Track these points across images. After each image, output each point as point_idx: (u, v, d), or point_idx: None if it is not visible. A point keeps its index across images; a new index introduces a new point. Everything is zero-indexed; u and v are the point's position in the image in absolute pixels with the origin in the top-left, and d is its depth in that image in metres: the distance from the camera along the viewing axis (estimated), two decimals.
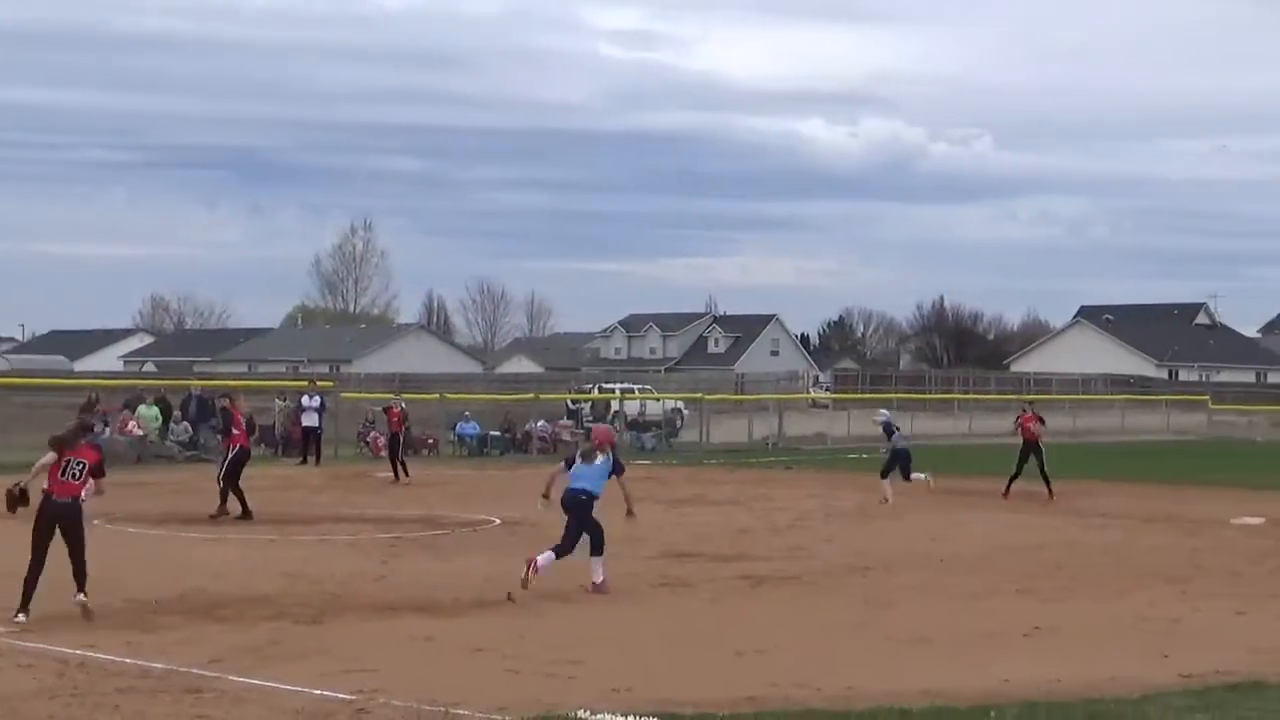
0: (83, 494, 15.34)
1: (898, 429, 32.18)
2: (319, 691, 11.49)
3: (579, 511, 17.43)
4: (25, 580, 14.85)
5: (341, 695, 11.38)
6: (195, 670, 12.25)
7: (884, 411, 34.92)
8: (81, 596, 14.88)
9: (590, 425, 33.71)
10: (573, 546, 17.25)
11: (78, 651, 13.03)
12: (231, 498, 25.47)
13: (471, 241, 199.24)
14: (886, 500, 29.65)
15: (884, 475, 30.71)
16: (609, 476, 17.74)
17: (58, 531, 15.08)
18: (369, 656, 12.98)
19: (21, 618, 14.64)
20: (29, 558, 14.91)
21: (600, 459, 17.71)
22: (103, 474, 15.75)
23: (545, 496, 17.88)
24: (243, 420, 26.79)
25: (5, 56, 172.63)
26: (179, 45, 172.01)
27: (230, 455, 26.09)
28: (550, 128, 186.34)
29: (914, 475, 30.79)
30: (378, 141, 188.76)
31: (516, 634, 14.34)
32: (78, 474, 15.22)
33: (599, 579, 17.31)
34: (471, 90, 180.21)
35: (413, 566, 19.58)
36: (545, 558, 16.91)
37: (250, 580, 17.87)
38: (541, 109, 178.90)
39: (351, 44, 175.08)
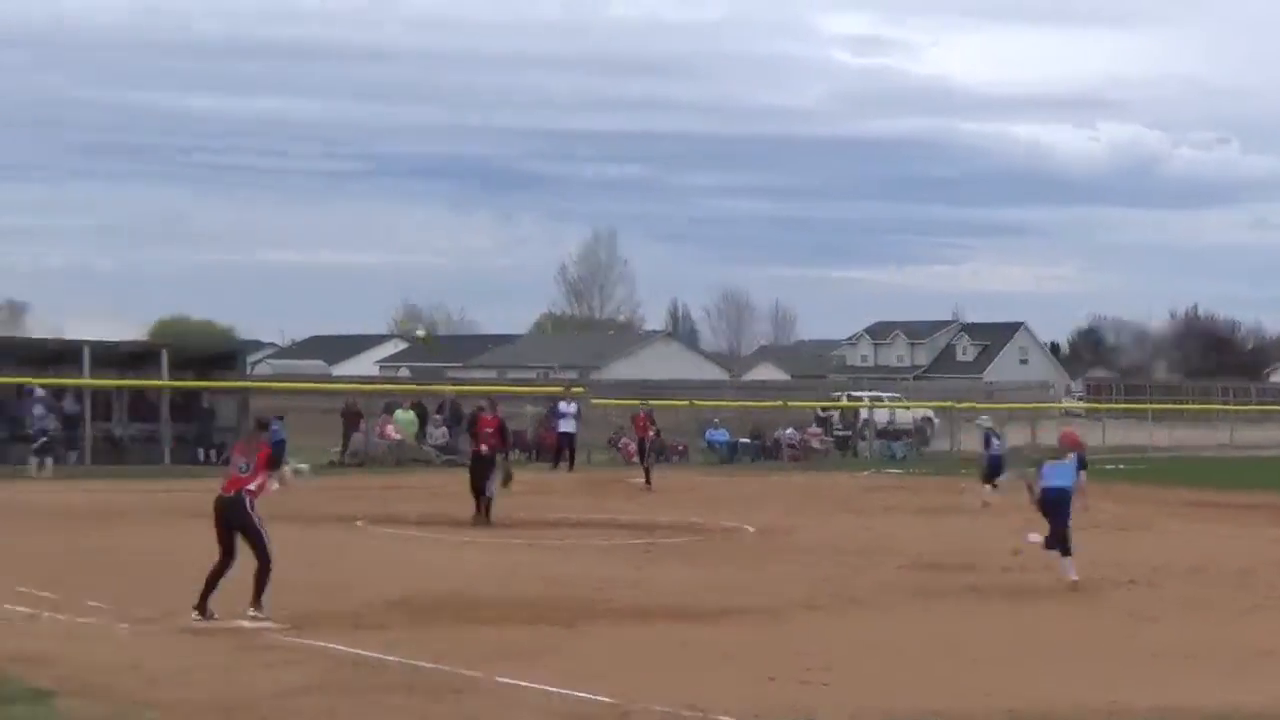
0: (251, 486, 15.29)
1: (998, 437, 33.05)
2: (579, 694, 11.63)
3: (1059, 507, 18.84)
4: (208, 576, 15.09)
5: (600, 698, 11.49)
6: (457, 670, 12.46)
7: (985, 418, 35.61)
8: (253, 611, 14.93)
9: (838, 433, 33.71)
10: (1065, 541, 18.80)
11: (347, 649, 13.37)
12: (485, 500, 25.96)
13: (713, 249, 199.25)
14: (986, 504, 29.98)
15: (985, 481, 31.20)
16: (1077, 474, 19.09)
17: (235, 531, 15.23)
18: (626, 661, 13.11)
19: (195, 615, 14.92)
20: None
21: (1070, 458, 19.12)
22: (276, 465, 15.70)
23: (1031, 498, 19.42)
24: (493, 426, 27.14)
25: (276, 69, 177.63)
26: (417, 58, 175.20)
27: (472, 461, 26.71)
28: (780, 134, 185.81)
29: (996, 481, 30.92)
30: (609, 150, 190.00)
31: (771, 641, 14.37)
32: (245, 468, 15.35)
33: (1071, 575, 18.68)
34: (696, 96, 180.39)
35: (667, 572, 19.70)
36: (1035, 538, 19.27)
37: (508, 583, 18.16)
38: (770, 115, 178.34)
39: (578, 52, 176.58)
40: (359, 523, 25.86)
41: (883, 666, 13.31)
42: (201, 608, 14.97)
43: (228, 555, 15.20)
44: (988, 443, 32.33)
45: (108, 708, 10.65)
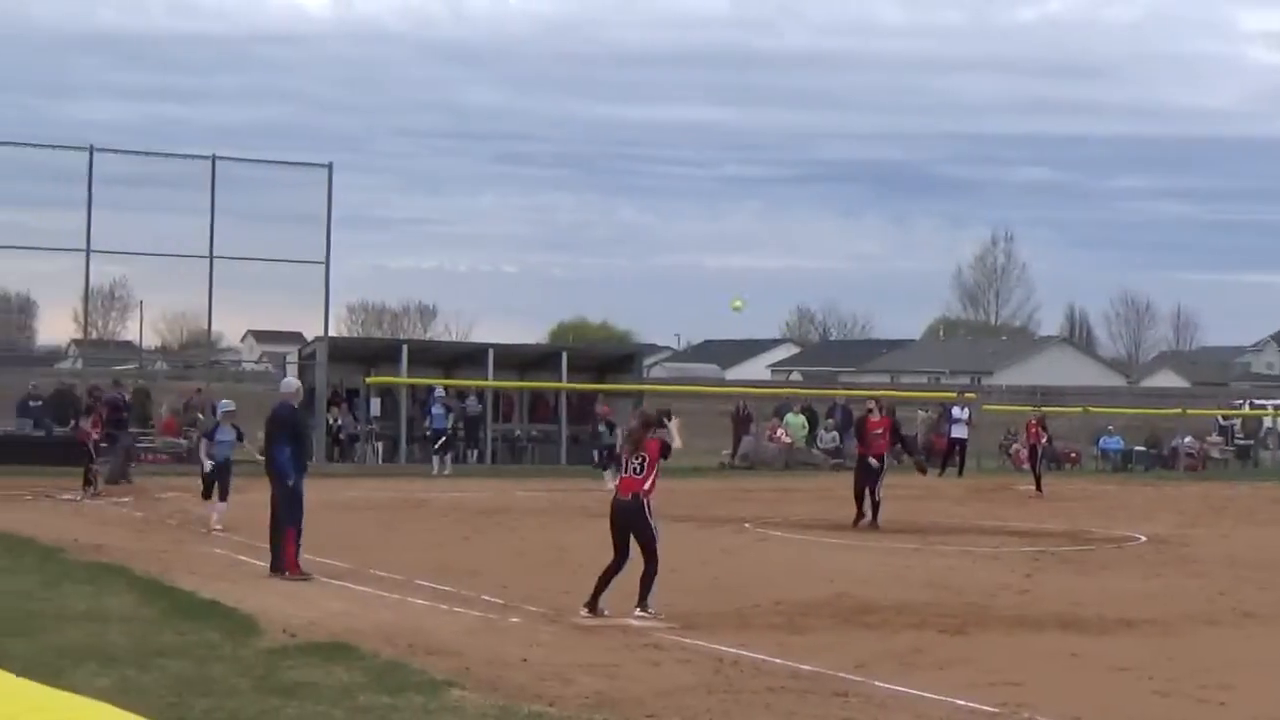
0: (646, 486, 15.53)
1: None
2: (962, 702, 11.53)
3: None
4: (600, 576, 15.47)
5: (985, 708, 11.36)
6: (842, 674, 12.47)
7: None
8: (639, 612, 15.24)
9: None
10: None
11: (732, 650, 13.52)
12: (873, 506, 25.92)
13: (1114, 253, 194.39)
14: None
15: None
16: None
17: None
18: (1012, 670, 12.92)
19: (584, 613, 15.27)
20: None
21: None
22: (666, 455, 15.86)
23: None
24: (883, 427, 27.11)
25: (676, 78, 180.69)
26: (820, 63, 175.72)
27: (858, 465, 26.74)
28: (1196, 135, 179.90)
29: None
30: (1013, 152, 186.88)
31: (1164, 655, 13.96)
32: (638, 469, 15.61)
33: None
34: (1110, 99, 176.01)
35: (1056, 581, 19.34)
36: None
37: (894, 588, 18.09)
38: (1186, 116, 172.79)
39: (988, 55, 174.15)
40: (747, 525, 26.13)
41: None
42: (592, 605, 15.36)
43: (621, 557, 15.55)
44: None
45: (497, 700, 11.00)
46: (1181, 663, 13.56)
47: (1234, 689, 12.39)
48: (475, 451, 42.34)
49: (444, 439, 38.45)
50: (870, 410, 27.86)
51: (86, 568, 18.09)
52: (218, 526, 22.89)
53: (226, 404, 24.43)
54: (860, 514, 25.87)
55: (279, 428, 18.67)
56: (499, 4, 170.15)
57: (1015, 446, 45.87)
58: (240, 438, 23.98)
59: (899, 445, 32.54)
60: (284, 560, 17.95)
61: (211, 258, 38.53)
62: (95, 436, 29.39)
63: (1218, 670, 13.18)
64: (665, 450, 15.87)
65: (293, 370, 42.57)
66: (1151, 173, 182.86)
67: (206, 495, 23.66)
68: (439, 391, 40.17)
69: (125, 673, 11.63)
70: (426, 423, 39.73)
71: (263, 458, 19.32)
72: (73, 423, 31.67)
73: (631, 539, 15.51)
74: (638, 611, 15.25)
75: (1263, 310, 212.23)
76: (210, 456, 23.43)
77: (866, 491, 26.02)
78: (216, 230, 38.56)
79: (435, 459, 38.12)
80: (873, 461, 26.37)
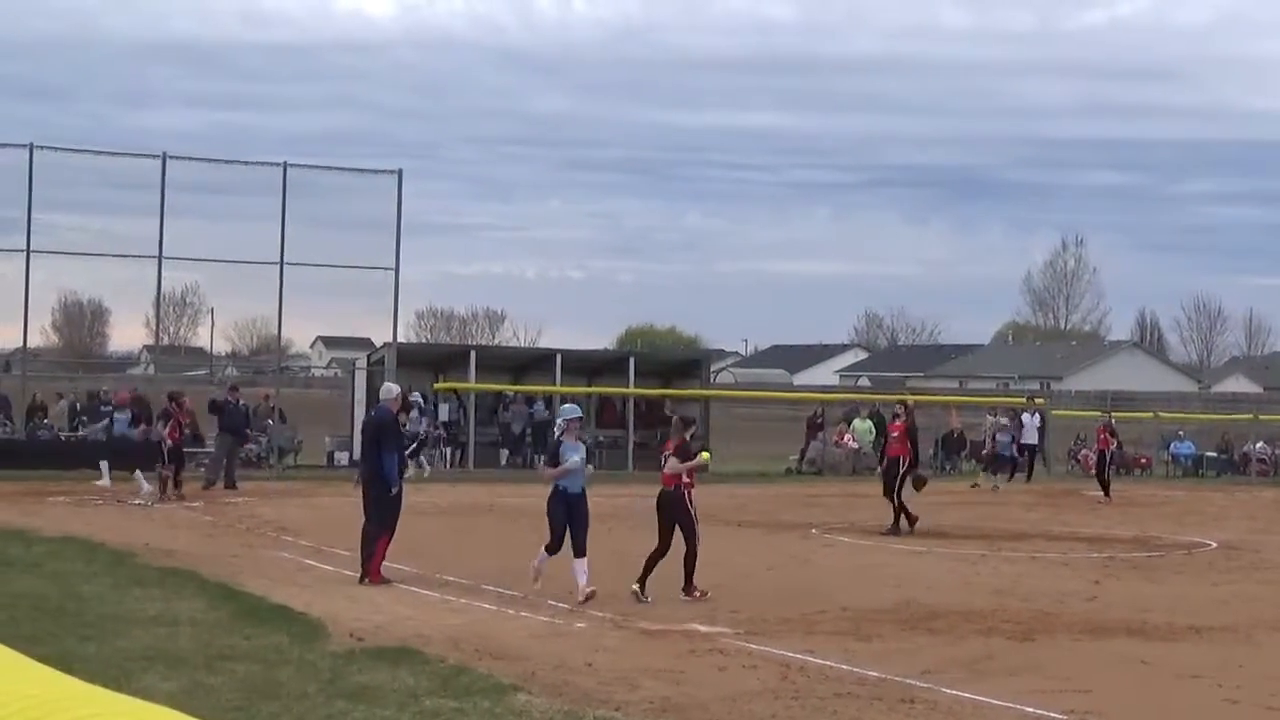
0: (685, 478, 17.05)
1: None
2: (1030, 709, 11.47)
3: None
4: (646, 560, 16.93)
5: (1054, 715, 11.30)
6: (909, 680, 12.44)
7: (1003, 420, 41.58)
8: (685, 595, 16.81)
9: None
10: None
11: (798, 655, 13.50)
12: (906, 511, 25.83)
13: (1185, 257, 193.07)
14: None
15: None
16: None
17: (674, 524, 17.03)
18: (1081, 677, 12.85)
19: (636, 588, 16.69)
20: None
21: None
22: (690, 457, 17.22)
23: None
24: (898, 431, 26.95)
25: (743, 84, 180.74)
26: (887, 68, 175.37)
27: (884, 467, 26.93)
28: (1267, 138, 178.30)
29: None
30: (1082, 156, 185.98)
31: (1235, 662, 13.84)
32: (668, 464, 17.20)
33: None
34: (1181, 101, 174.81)
35: (1125, 587, 19.22)
36: None
37: (961, 594, 18.03)
38: (1257, 118, 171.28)
39: (1055, 59, 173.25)
40: (814, 530, 26.08)
41: None
42: (641, 584, 16.77)
43: (665, 543, 16.98)
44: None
45: (563, 705, 11.03)
46: (1252, 670, 13.46)
47: None
48: (543, 456, 42.32)
49: (417, 444, 36.62)
50: (897, 414, 27.97)
51: (157, 572, 18.23)
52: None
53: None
54: (898, 516, 25.73)
55: (382, 433, 18.29)
56: (566, 11, 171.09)
57: (1084, 452, 45.58)
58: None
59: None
60: (371, 567, 17.77)
61: (282, 264, 38.72)
62: (170, 443, 29.58)
63: None
64: (683, 453, 17.18)
65: (362, 376, 42.77)
66: (1222, 176, 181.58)
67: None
68: (416, 396, 38.65)
69: (193, 676, 11.72)
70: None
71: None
72: (142, 426, 31.83)
73: (676, 529, 16.93)
74: (683, 596, 16.77)
75: None
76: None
77: (894, 493, 26.16)
78: (287, 237, 38.73)
79: (411, 463, 36.48)
80: (886, 463, 26.82)
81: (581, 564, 16.61)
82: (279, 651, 12.96)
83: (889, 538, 24.73)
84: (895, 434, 26.97)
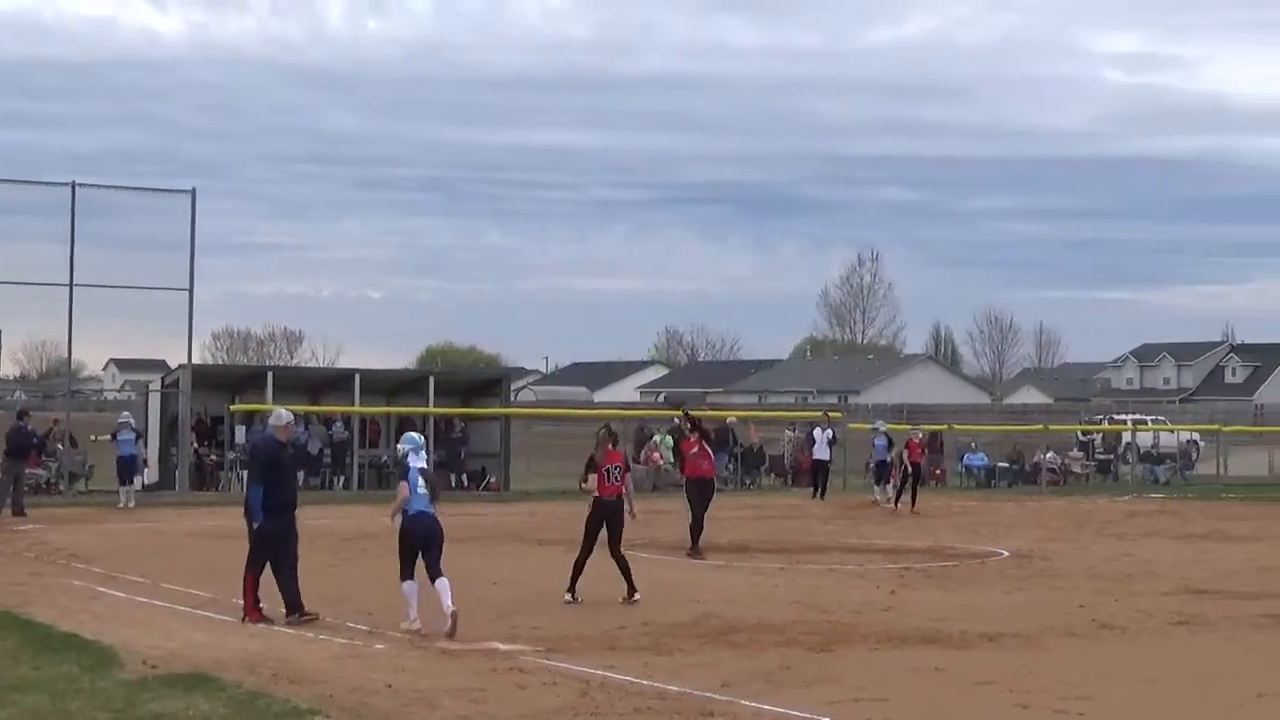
0: (625, 490, 18.73)
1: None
2: (827, 719, 11.62)
3: None
4: (575, 564, 18.48)
5: None
6: (708, 694, 12.49)
7: (880, 422, 43.32)
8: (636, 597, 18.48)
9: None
10: None
11: (598, 672, 13.50)
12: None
13: (977, 271, 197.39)
14: (876, 503, 37.17)
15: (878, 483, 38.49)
16: None
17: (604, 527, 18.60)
18: (878, 686, 13.03)
19: (569, 597, 18.24)
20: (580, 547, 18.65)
21: None
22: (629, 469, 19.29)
23: None
24: (701, 446, 25.75)
25: (541, 102, 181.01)
26: (681, 85, 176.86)
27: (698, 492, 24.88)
28: (1050, 155, 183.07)
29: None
30: (874, 173, 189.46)
31: (1026, 668, 14.14)
32: (617, 476, 18.67)
33: None
34: (966, 119, 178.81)
35: (921, 597, 19.55)
36: None
37: (760, 608, 18.18)
38: (1040, 136, 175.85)
39: (845, 77, 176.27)
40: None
41: (1143, 697, 12.99)
42: (572, 590, 18.41)
43: (590, 548, 18.56)
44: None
45: None
46: (1042, 675, 13.75)
47: (1093, 700, 12.58)
48: (342, 478, 42.03)
49: (129, 467, 35.14)
50: (685, 431, 26.75)
51: None
52: None
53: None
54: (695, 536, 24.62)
55: (257, 463, 17.10)
56: (358, 29, 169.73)
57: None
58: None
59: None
60: (245, 606, 16.73)
61: (71, 285, 37.86)
62: None
63: (1077, 682, 13.38)
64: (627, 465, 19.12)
65: (156, 399, 41.98)
66: (1009, 192, 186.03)
67: None
68: (125, 416, 37.74)
69: None
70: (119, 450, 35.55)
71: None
72: None
73: (604, 531, 18.54)
74: (623, 601, 18.49)
75: (1122, 327, 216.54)
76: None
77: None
78: (77, 258, 37.90)
79: (122, 491, 34.89)
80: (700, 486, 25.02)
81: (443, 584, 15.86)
82: (69, 681, 12.66)
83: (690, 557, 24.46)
84: (694, 450, 25.07)
